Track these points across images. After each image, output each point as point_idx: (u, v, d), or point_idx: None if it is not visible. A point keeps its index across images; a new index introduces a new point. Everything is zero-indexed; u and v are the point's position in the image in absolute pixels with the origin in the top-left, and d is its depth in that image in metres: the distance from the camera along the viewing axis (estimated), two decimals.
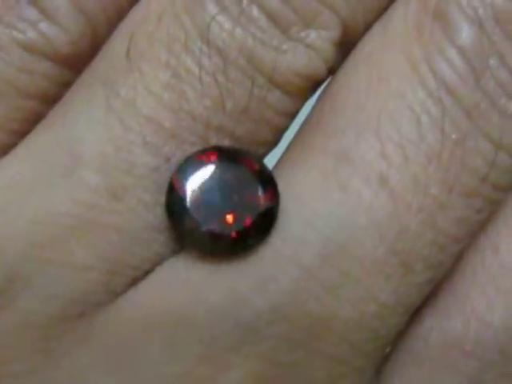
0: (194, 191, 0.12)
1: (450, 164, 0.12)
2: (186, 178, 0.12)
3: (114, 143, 0.12)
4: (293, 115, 0.13)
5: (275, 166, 0.13)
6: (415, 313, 0.13)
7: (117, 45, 0.13)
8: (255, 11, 0.12)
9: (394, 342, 0.13)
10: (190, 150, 0.12)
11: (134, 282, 0.12)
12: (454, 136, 0.12)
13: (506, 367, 0.13)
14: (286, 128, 0.13)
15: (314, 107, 0.13)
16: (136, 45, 0.12)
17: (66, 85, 0.13)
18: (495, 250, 0.13)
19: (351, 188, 0.12)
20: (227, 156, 0.12)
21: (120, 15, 0.13)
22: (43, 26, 0.13)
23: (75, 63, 0.13)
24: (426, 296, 0.13)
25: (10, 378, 0.12)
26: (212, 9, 0.12)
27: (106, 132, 0.12)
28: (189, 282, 0.12)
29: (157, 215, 0.12)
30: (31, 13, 0.13)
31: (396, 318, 0.13)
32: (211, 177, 0.12)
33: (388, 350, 0.13)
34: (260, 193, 0.12)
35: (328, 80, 0.14)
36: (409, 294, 0.12)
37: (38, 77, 0.13)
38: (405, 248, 0.12)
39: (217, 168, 0.12)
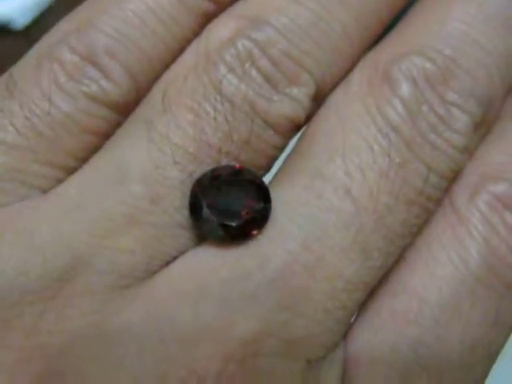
0: (209, 198, 0.16)
1: (395, 180, 0.16)
2: (203, 189, 0.16)
3: (153, 163, 0.16)
4: (281, 148, 0.17)
5: (270, 182, 0.17)
6: (371, 291, 0.16)
7: (155, 95, 0.17)
8: (254, 72, 0.17)
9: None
10: (207, 168, 0.16)
11: (166, 264, 0.16)
12: (397, 160, 0.16)
13: (440, 331, 0.16)
14: (276, 158, 0.17)
15: (296, 143, 0.18)
16: (169, 95, 0.16)
17: (117, 125, 0.17)
18: (428, 246, 0.17)
19: (324, 196, 0.16)
20: (233, 172, 0.16)
21: (156, 76, 0.17)
22: (103, 82, 0.17)
23: (124, 109, 0.17)
24: (379, 278, 0.16)
25: (76, 331, 0.15)
26: (223, 70, 0.16)
27: (147, 155, 0.16)
28: (206, 262, 0.16)
29: (183, 216, 0.16)
30: (94, 73, 0.17)
31: (358, 293, 0.16)
32: (221, 187, 0.16)
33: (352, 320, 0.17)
34: (257, 198, 0.16)
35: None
36: (368, 275, 0.16)
37: (97, 119, 0.17)
38: (364, 240, 0.16)
39: (226, 181, 0.16)
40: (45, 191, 0.16)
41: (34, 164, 0.16)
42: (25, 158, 0.16)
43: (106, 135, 0.17)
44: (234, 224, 0.16)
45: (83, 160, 0.17)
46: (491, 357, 0.17)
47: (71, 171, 0.17)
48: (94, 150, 0.17)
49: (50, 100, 0.17)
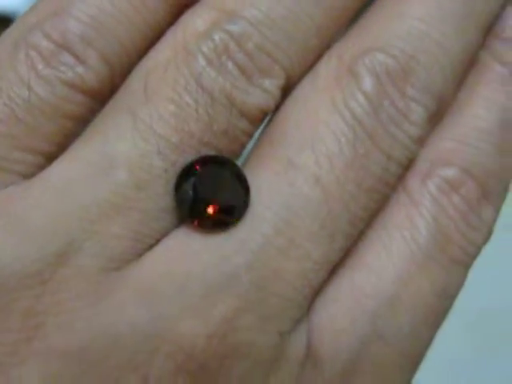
0: (192, 186, 0.17)
1: (359, 169, 0.17)
2: (186, 177, 0.17)
3: (138, 152, 0.17)
4: (252, 136, 0.18)
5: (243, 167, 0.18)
6: (333, 268, 0.18)
7: (135, 83, 0.17)
8: (230, 65, 0.17)
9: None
10: (189, 158, 0.17)
11: (150, 246, 0.17)
12: (361, 151, 0.18)
13: (394, 304, 0.18)
14: (246, 144, 0.18)
15: (263, 131, 0.19)
16: (150, 85, 0.17)
17: (93, 111, 0.18)
18: (384, 226, 0.19)
19: (296, 185, 0.17)
20: (214, 162, 0.17)
21: (131, 64, 0.18)
22: (78, 69, 0.17)
23: (99, 96, 0.18)
24: (341, 257, 0.18)
25: (72, 311, 0.16)
26: (202, 62, 0.17)
27: (132, 144, 0.17)
28: (188, 245, 0.17)
29: (166, 202, 0.17)
30: (70, 59, 0.17)
31: (323, 272, 0.17)
32: (203, 176, 0.17)
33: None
34: (237, 187, 0.17)
35: None
36: (332, 255, 0.17)
37: (73, 104, 0.17)
38: (330, 224, 0.17)
39: (207, 170, 0.17)
40: (26, 177, 0.17)
41: (14, 150, 0.17)
42: (4, 144, 0.17)
43: (84, 121, 0.18)
44: (215, 212, 0.17)
45: (63, 146, 0.17)
46: (437, 325, 0.19)
47: (51, 157, 0.17)
48: (73, 136, 0.17)
49: (28, 86, 0.17)
